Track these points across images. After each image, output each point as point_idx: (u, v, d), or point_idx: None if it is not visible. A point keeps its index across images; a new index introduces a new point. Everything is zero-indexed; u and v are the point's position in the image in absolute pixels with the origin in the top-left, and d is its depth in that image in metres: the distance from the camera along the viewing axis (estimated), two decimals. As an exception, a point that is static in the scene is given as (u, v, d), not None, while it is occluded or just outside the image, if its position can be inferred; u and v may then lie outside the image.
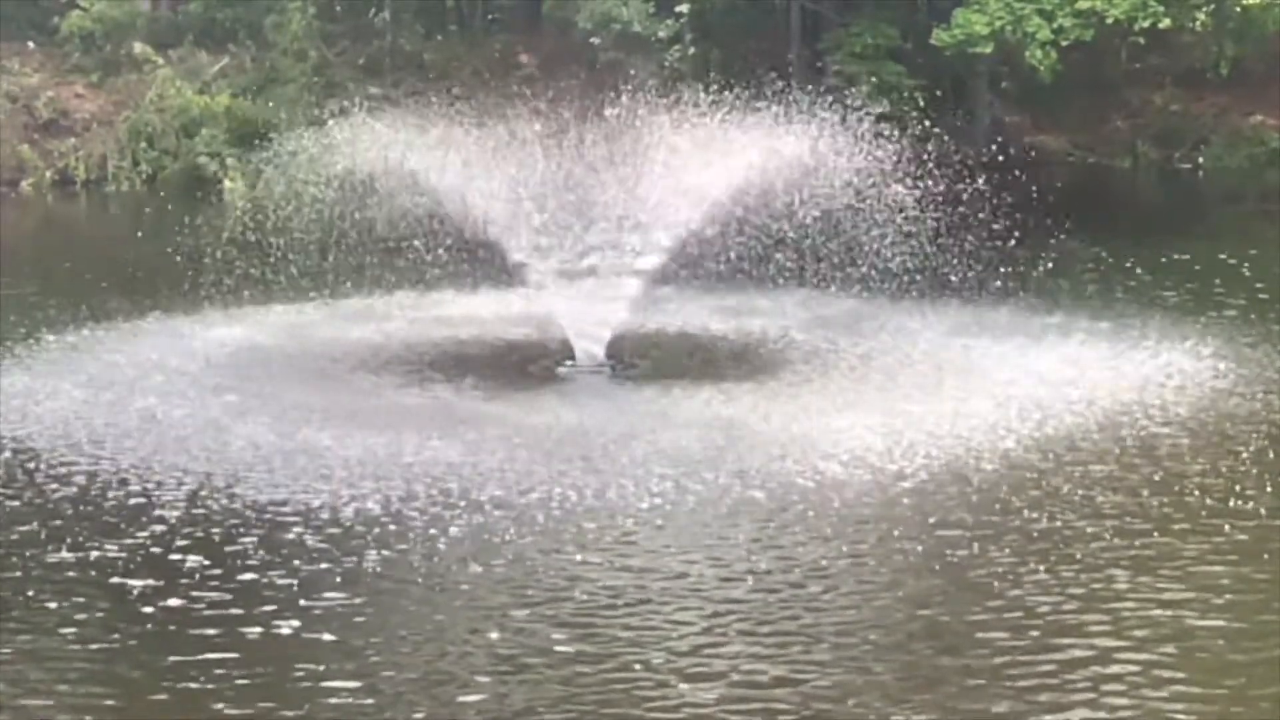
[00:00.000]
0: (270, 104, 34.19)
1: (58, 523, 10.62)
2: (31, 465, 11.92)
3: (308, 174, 18.30)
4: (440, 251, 18.28)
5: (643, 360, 15.45)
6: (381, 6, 37.43)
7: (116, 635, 8.75)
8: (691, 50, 33.94)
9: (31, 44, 36.38)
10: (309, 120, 20.81)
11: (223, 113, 33.92)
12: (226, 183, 31.42)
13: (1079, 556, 9.67)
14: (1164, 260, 21.53)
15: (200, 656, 8.34)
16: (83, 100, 35.28)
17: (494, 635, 8.59)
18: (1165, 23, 29.16)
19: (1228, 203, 31.62)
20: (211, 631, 8.70)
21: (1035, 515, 10.41)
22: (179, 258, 20.43)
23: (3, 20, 35.65)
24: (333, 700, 7.85)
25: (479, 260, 17.77)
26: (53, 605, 9.16)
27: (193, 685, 8.03)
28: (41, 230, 31.07)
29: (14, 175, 33.33)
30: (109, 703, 7.98)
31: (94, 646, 8.60)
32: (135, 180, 33.43)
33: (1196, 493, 10.97)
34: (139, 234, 26.84)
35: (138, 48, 35.60)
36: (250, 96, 35.00)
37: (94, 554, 9.96)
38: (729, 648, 8.43)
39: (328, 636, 8.62)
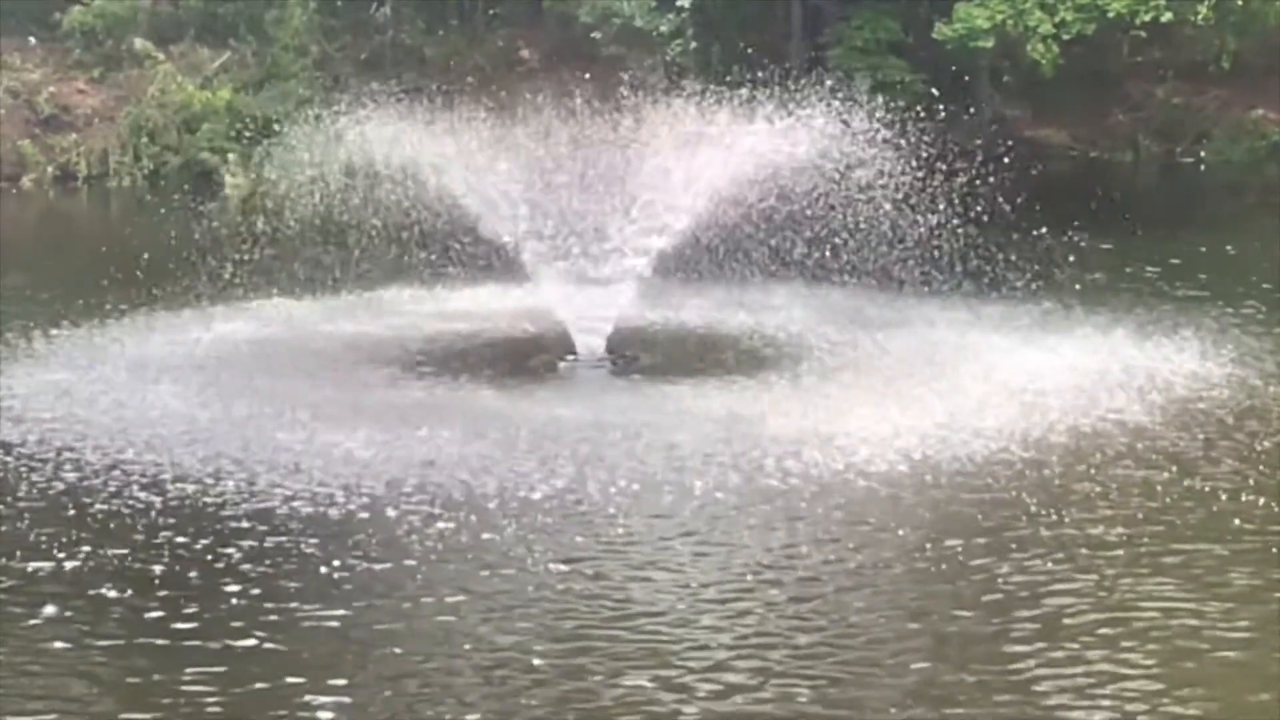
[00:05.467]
0: (271, 99, 34.17)
1: (37, 528, 10.36)
2: (17, 465, 11.74)
3: (309, 169, 18.29)
4: (441, 246, 18.25)
5: (644, 355, 15.42)
6: (382, 2, 37.39)
7: (96, 648, 8.52)
8: (693, 45, 33.90)
9: (33, 39, 36.35)
10: (310, 115, 20.80)
11: (224, 108, 33.92)
12: (228, 178, 31.40)
13: (1094, 562, 9.55)
14: (1169, 254, 21.47)
15: (185, 671, 8.11)
16: (84, 96, 35.27)
17: (492, 645, 8.44)
18: (1167, 16, 29.13)
19: (1230, 196, 31.57)
20: (196, 644, 8.50)
21: (1051, 518, 10.29)
22: (180, 253, 20.38)
23: (4, 16, 35.61)
24: (320, 715, 7.68)
25: (480, 254, 17.72)
26: (26, 615, 8.91)
27: (177, 700, 7.83)
28: (42, 225, 31.06)
29: (15, 171, 33.32)
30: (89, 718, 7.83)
31: (72, 661, 8.37)
32: (137, 176, 33.43)
33: (1207, 490, 10.90)
34: (140, 229, 26.83)
35: (139, 43, 35.59)
36: (251, 92, 35.00)
37: (72, 563, 9.71)
38: (732, 657, 8.27)
39: (318, 649, 8.44)
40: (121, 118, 34.14)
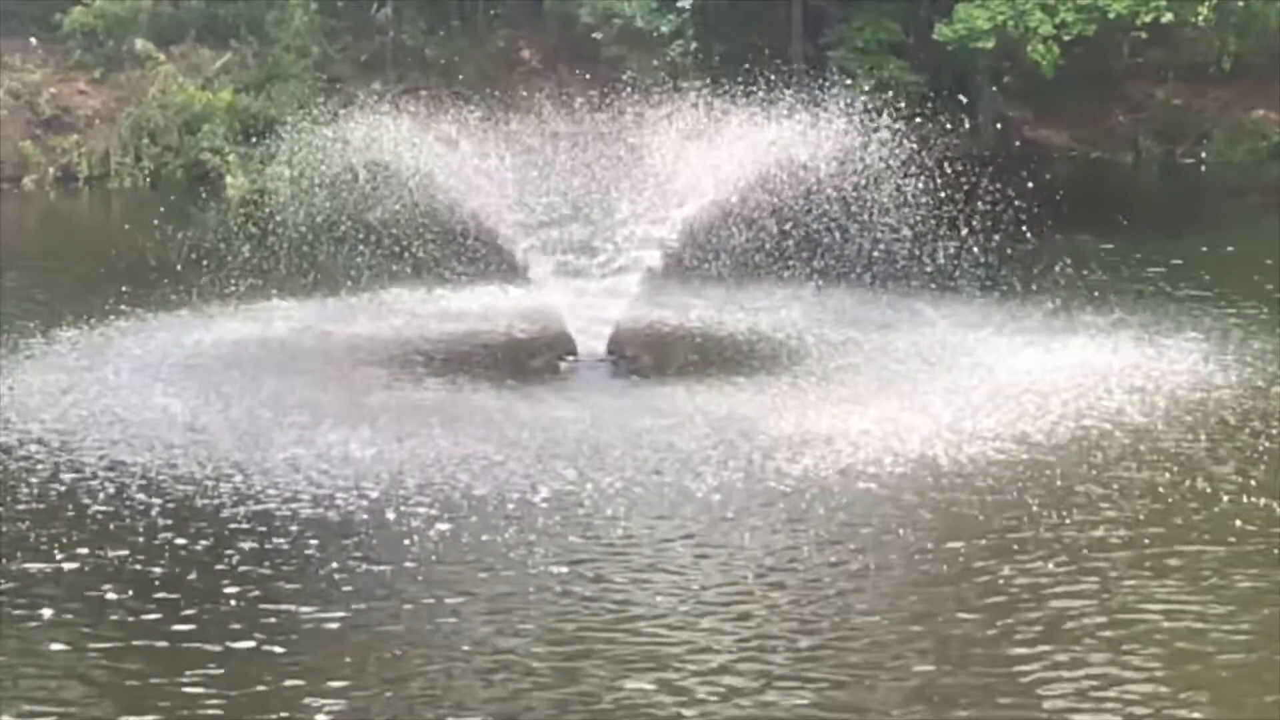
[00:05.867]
0: (272, 100, 34.14)
1: (36, 529, 10.30)
2: (16, 466, 11.68)
3: (310, 169, 18.27)
4: (442, 246, 18.22)
5: (645, 355, 15.40)
6: (383, 2, 37.36)
7: (95, 650, 8.47)
8: (694, 45, 33.88)
9: (33, 40, 36.29)
10: (311, 116, 20.77)
11: (225, 109, 33.87)
12: (229, 179, 31.36)
13: (1097, 564, 9.52)
14: (1170, 255, 21.40)
15: (184, 673, 8.06)
16: (85, 96, 35.23)
17: (492, 647, 8.40)
18: (1167, 17, 29.08)
19: (1231, 197, 31.54)
20: (195, 646, 8.45)
21: (1053, 519, 10.25)
22: (180, 253, 20.35)
23: (5, 16, 35.55)
24: (320, 717, 7.64)
25: (481, 255, 17.70)
26: (25, 617, 8.86)
27: (176, 703, 7.78)
28: (43, 226, 31.03)
29: (16, 172, 33.28)
30: (88, 721, 7.77)
31: (71, 663, 8.32)
32: (138, 176, 33.37)
33: (1210, 491, 10.86)
34: (141, 230, 26.77)
35: (140, 44, 35.53)
36: (252, 92, 34.96)
37: (71, 564, 9.65)
38: (734, 660, 8.24)
39: (318, 651, 8.40)
40: (122, 118, 34.08)
